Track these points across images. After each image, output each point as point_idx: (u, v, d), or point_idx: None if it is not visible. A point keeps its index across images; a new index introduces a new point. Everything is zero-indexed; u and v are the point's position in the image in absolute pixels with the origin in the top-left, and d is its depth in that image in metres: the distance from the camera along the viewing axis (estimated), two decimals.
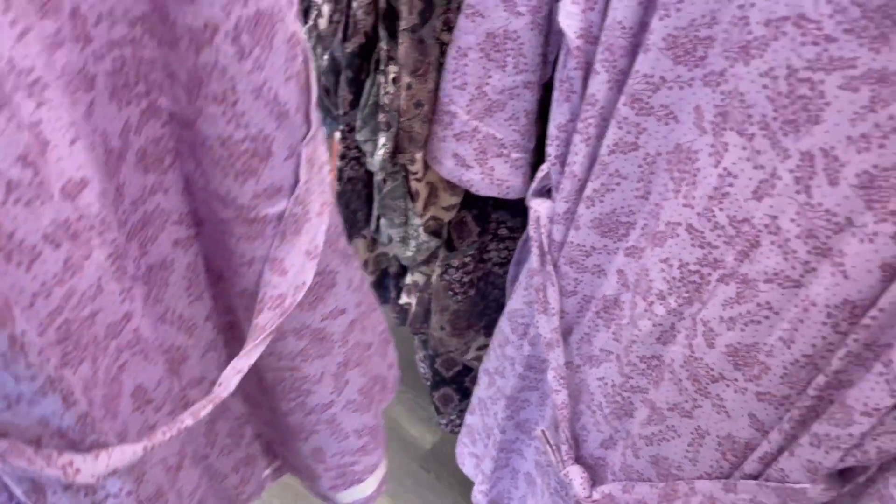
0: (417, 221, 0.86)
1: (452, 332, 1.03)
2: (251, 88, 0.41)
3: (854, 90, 0.48)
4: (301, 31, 0.43)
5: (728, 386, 0.65)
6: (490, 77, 0.73)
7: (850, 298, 0.52)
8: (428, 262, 1.03)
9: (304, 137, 0.46)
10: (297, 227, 0.48)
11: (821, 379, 0.56)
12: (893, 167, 0.47)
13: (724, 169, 0.59)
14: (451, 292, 0.97)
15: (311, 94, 0.46)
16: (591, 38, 0.65)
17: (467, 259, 0.93)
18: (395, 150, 0.79)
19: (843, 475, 0.60)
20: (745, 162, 0.58)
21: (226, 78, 0.40)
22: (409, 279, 1.11)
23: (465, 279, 0.96)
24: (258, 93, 0.41)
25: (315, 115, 0.47)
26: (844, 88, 0.49)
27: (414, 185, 0.81)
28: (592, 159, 0.70)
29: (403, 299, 1.14)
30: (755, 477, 0.65)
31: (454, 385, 1.13)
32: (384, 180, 0.82)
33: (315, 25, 0.90)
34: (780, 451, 0.61)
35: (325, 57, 0.90)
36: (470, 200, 0.89)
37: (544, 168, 0.76)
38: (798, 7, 0.50)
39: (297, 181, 0.47)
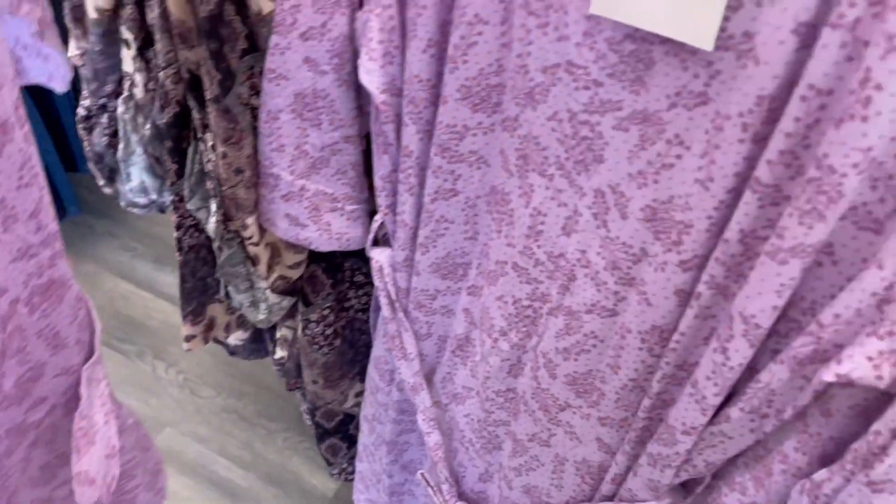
0: (263, 284, 0.83)
1: (326, 384, 1.01)
2: (35, 332, 0.52)
3: (625, 130, 0.50)
4: (82, 292, 0.57)
5: (574, 413, 0.66)
6: (307, 136, 0.72)
7: (656, 324, 0.55)
8: (293, 315, 1.01)
9: (86, 362, 0.57)
10: (89, 438, 0.56)
11: (647, 401, 0.58)
12: (669, 200, 0.50)
13: (534, 208, 0.61)
14: (316, 346, 0.96)
15: (95, 330, 0.59)
16: (396, 90, 0.65)
17: (326, 311, 0.92)
18: (226, 218, 0.77)
19: (685, 487, 0.62)
20: (551, 201, 0.59)
21: (20, 333, 0.50)
22: (279, 334, 1.08)
23: (329, 331, 0.94)
24: (40, 334, 0.53)
25: (97, 344, 0.59)
26: (617, 129, 0.51)
27: (252, 249, 0.79)
28: (419, 207, 0.70)
29: (278, 353, 1.12)
30: (611, 498, 0.67)
31: (339, 434, 1.11)
32: (220, 248, 0.79)
33: (131, 95, 0.86)
34: (627, 471, 0.63)
35: (148, 126, 0.86)
36: (318, 253, 0.88)
37: (378, 218, 0.76)
38: (566, 54, 0.52)
39: (78, 399, 0.56)
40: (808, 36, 0.38)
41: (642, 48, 0.47)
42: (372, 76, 0.64)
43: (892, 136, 0.37)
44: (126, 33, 0.80)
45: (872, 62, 0.35)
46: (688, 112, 0.46)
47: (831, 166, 0.38)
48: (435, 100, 0.63)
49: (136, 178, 0.94)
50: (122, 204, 1.01)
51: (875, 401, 0.44)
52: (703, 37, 0.41)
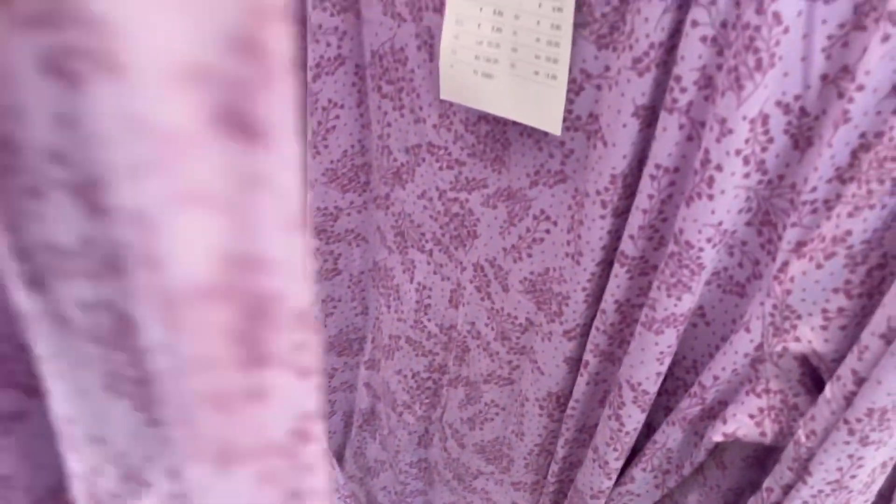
0: None
1: None
2: None
3: (493, 207, 0.50)
4: None
5: (488, 479, 0.65)
6: None
7: (552, 391, 0.54)
8: None
9: None
10: None
11: (555, 466, 0.57)
12: (546, 272, 0.49)
13: (419, 283, 0.59)
14: None
15: None
16: None
17: None
18: None
19: None
20: (433, 275, 0.58)
21: None
22: None
23: None
24: None
25: None
26: (485, 206, 0.50)
27: None
28: None
29: None
30: None
31: None
32: None
33: None
34: None
35: None
36: None
37: None
38: (425, 136, 0.51)
39: None
40: (648, 118, 0.38)
41: (497, 129, 0.46)
42: None
43: (739, 209, 0.37)
44: None
45: (709, 143, 0.35)
46: (549, 189, 0.46)
47: (688, 242, 0.38)
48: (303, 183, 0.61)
49: None
50: None
51: (764, 450, 0.45)
52: (550, 121, 0.41)
